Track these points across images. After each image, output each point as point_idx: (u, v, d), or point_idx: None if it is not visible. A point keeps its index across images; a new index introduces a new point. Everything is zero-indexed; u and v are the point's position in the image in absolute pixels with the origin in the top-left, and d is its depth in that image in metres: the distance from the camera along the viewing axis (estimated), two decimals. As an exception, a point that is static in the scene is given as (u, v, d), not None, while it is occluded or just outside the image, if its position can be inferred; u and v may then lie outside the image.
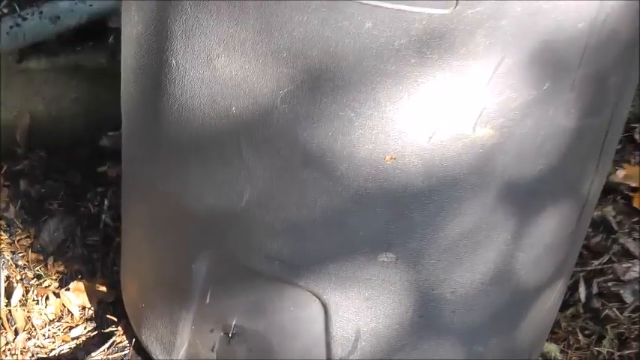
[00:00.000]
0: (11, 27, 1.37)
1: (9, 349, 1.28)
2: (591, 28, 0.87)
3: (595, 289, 1.41)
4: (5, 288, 1.35)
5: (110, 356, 1.23)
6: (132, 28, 1.02)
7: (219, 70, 0.89)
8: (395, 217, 0.92)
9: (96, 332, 1.29)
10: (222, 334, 1.11)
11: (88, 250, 1.40)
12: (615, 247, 1.45)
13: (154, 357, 1.20)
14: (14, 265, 1.38)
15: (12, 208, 1.45)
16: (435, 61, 0.79)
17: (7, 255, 1.39)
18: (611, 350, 1.32)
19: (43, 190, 1.48)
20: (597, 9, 0.86)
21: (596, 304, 1.39)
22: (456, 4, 0.77)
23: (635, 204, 1.53)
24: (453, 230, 0.91)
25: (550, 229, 0.99)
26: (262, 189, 0.95)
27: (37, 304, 1.31)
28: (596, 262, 1.45)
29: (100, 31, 1.45)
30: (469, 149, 0.86)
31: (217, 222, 1.02)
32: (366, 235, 0.94)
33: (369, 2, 0.77)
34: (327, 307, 1.00)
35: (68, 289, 1.33)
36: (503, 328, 1.11)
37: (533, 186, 0.91)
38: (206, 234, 1.05)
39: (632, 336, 1.35)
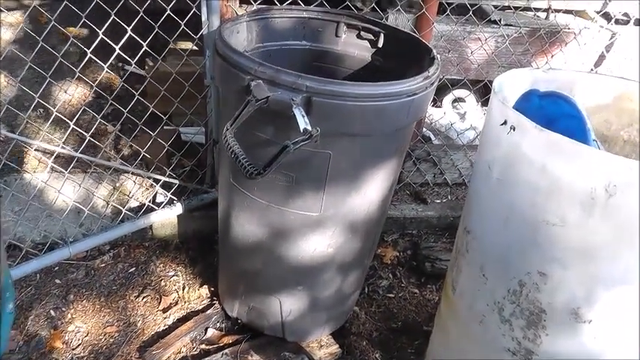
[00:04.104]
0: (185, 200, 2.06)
1: (181, 308, 1.91)
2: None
3: (368, 290, 2.05)
4: (182, 289, 1.96)
5: (212, 311, 1.84)
6: (220, 206, 1.59)
7: (263, 220, 1.46)
8: (300, 276, 1.57)
9: (209, 302, 1.93)
10: (248, 308, 1.71)
11: (209, 273, 2.05)
12: (376, 275, 2.12)
13: (227, 312, 1.81)
14: (186, 280, 2.03)
15: (181, 267, 2.06)
16: (317, 229, 1.43)
17: (183, 278, 2.02)
18: (377, 310, 1.94)
19: (195, 256, 2.14)
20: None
21: (371, 294, 2.03)
22: (321, 211, 1.37)
23: (386, 260, 2.15)
24: (323, 277, 1.56)
25: (354, 276, 1.67)
26: (262, 263, 1.57)
27: (190, 292, 1.99)
28: (370, 280, 2.08)
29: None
30: (326, 254, 1.51)
31: (249, 272, 1.63)
32: (291, 281, 1.59)
33: (294, 211, 1.39)
34: (281, 301, 1.63)
35: (201, 288, 2.00)
36: (344, 302, 1.76)
37: (347, 264, 1.57)
38: (243, 276, 1.67)
39: (381, 310, 1.96)
